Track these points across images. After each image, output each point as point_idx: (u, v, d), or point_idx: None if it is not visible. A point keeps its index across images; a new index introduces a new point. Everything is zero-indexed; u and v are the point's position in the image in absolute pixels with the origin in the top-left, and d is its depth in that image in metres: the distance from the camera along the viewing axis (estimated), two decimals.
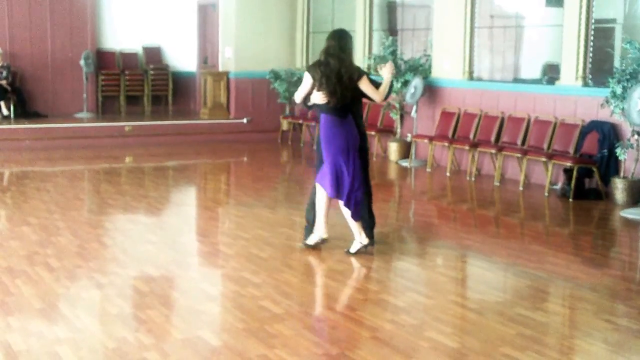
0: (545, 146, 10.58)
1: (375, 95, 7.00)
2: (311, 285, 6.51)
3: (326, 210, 7.01)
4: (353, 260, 6.92)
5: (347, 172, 6.86)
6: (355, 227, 7.00)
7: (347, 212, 6.98)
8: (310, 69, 6.91)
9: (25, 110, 15.56)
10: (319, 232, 7.05)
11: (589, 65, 10.54)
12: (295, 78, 14.89)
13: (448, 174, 11.79)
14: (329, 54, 6.81)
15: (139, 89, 17.21)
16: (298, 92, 7.05)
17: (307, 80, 6.89)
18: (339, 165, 6.86)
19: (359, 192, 6.93)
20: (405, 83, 12.80)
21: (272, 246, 7.29)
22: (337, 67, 6.76)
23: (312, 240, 7.08)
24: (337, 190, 6.89)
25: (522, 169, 10.76)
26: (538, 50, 13.34)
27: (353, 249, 6.99)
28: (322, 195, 6.99)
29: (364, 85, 6.89)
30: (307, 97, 6.96)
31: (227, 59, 16.06)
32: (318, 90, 6.78)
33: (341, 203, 6.97)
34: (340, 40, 6.86)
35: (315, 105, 6.90)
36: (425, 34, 13.89)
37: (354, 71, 6.86)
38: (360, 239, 6.98)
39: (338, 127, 6.85)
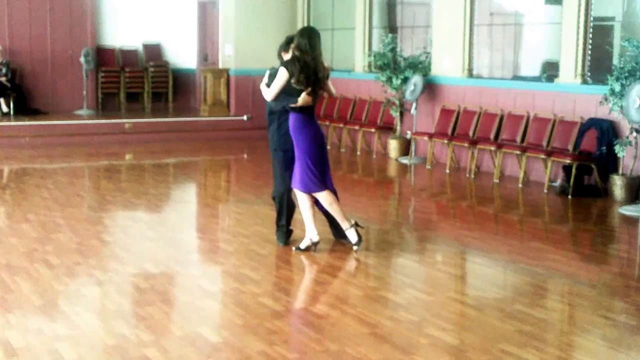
0: (544, 143, 10.59)
1: (334, 91, 7.19)
2: (310, 282, 6.52)
3: (312, 212, 7.01)
4: (352, 257, 6.93)
5: (322, 164, 6.93)
6: (340, 214, 7.03)
7: (324, 202, 6.99)
8: (287, 65, 6.77)
9: (25, 107, 15.58)
10: (310, 235, 7.02)
11: (587, 63, 10.55)
12: None
13: (448, 171, 11.80)
14: (303, 51, 6.74)
15: (139, 86, 17.21)
16: (271, 89, 6.86)
17: (283, 76, 6.76)
18: (312, 160, 6.86)
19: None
20: (405, 80, 12.81)
21: (272, 243, 7.29)
22: (314, 65, 6.74)
23: (304, 244, 7.05)
24: (311, 185, 6.91)
25: (521, 166, 10.77)
26: (537, 48, 13.34)
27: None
28: (303, 198, 7.00)
29: (329, 83, 7.01)
30: (279, 95, 6.85)
31: (227, 56, 16.07)
32: (297, 86, 6.72)
33: (318, 194, 7.00)
34: (310, 39, 6.79)
35: (296, 107, 6.81)
36: (424, 31, 13.89)
37: (324, 69, 6.87)
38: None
39: (308, 125, 6.86)
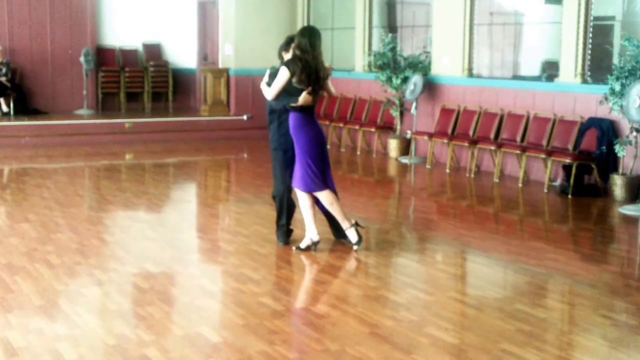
0: (544, 143, 10.60)
1: (333, 91, 7.20)
2: (311, 282, 6.52)
3: (312, 211, 7.01)
4: (353, 256, 6.93)
5: (322, 164, 6.93)
6: (340, 214, 7.04)
7: (324, 202, 6.99)
8: (288, 64, 6.76)
9: (25, 107, 15.58)
10: (310, 234, 7.03)
11: (587, 63, 10.55)
12: None
13: (448, 170, 11.80)
14: (304, 50, 6.74)
15: (139, 85, 17.20)
16: (272, 88, 6.84)
17: (284, 75, 6.75)
18: (313, 160, 6.87)
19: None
20: (405, 80, 12.81)
21: (272, 243, 7.29)
22: (315, 65, 6.74)
23: (304, 243, 7.06)
24: (312, 185, 6.91)
25: (521, 165, 10.77)
26: (537, 48, 13.35)
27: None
28: (303, 198, 7.00)
29: (329, 82, 7.01)
30: (280, 95, 6.84)
31: (227, 56, 16.07)
32: (298, 85, 6.72)
33: (318, 194, 7.00)
34: (311, 38, 6.79)
35: (296, 106, 6.81)
36: (424, 30, 13.90)
37: (324, 68, 6.88)
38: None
39: (309, 124, 6.87)
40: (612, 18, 11.79)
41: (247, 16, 15.76)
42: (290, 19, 16.01)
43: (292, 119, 6.87)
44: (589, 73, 10.55)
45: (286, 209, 7.20)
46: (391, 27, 14.72)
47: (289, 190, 7.16)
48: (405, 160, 12.74)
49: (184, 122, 15.55)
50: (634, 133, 9.26)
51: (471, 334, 5.12)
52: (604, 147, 9.78)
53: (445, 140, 11.93)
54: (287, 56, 7.00)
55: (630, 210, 8.92)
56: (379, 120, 13.72)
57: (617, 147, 9.34)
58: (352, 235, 7.05)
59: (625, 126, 9.58)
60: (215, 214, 9.36)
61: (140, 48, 17.33)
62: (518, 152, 10.75)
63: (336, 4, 15.64)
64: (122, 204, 9.36)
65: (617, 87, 9.19)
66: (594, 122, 10.05)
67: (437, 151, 12.49)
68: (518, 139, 11.00)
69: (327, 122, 14.12)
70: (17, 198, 9.61)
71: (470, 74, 12.39)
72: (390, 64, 13.03)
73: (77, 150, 13.48)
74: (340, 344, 4.87)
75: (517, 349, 4.81)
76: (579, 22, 10.44)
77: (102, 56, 16.83)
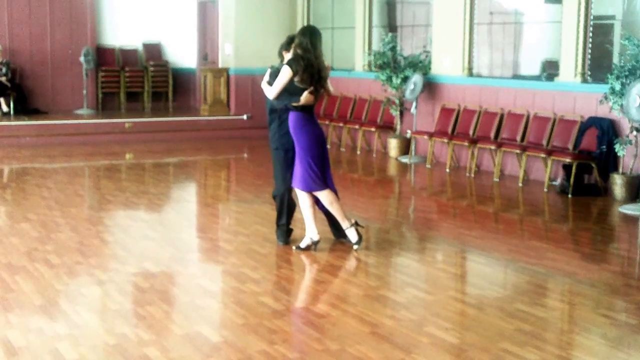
0: (544, 142, 10.59)
1: (332, 90, 7.19)
2: (311, 281, 6.52)
3: (312, 211, 7.01)
4: (353, 256, 6.94)
5: (323, 163, 6.93)
6: (340, 213, 7.04)
7: (324, 201, 6.99)
8: (291, 64, 6.74)
9: (25, 107, 15.59)
10: (310, 234, 7.04)
11: (587, 62, 10.54)
12: None
13: (448, 170, 11.80)
14: (305, 50, 6.73)
15: (139, 85, 17.20)
16: (274, 87, 6.82)
17: (286, 74, 6.73)
18: (314, 159, 6.86)
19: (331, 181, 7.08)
20: (405, 79, 12.80)
21: (272, 242, 7.29)
22: (317, 64, 6.75)
23: (304, 243, 7.06)
24: (312, 184, 6.91)
25: (521, 165, 10.77)
26: (537, 47, 13.35)
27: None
28: (303, 197, 7.00)
29: (328, 82, 7.00)
30: (281, 94, 6.83)
31: (227, 56, 16.08)
32: (300, 85, 6.71)
33: (318, 193, 7.00)
34: (311, 37, 6.79)
35: (297, 105, 6.81)
36: (424, 30, 13.90)
37: (325, 68, 6.89)
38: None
39: (309, 123, 6.87)
40: (612, 17, 11.80)
41: (247, 16, 15.76)
42: (290, 19, 16.01)
43: (292, 118, 6.86)
44: (589, 72, 10.55)
45: (286, 208, 7.20)
46: (391, 26, 14.73)
47: (289, 190, 7.16)
48: (405, 159, 12.74)
49: (184, 122, 15.56)
50: (634, 132, 9.26)
51: (471, 333, 5.12)
52: (604, 147, 9.78)
53: (445, 140, 11.94)
54: (288, 56, 7.00)
55: (630, 209, 8.92)
56: (379, 120, 13.72)
57: (617, 147, 9.34)
58: (352, 234, 7.05)
59: (625, 125, 9.58)
60: (215, 214, 9.36)
61: (140, 48, 17.34)
62: (518, 151, 10.75)
63: (336, 3, 15.64)
64: (122, 204, 9.36)
65: (617, 87, 9.19)
66: (594, 122, 10.05)
67: (437, 151, 12.49)
68: (518, 138, 10.99)
69: (327, 122, 14.12)
70: (17, 198, 9.61)
71: (470, 74, 12.39)
72: (390, 64, 13.03)
73: (77, 150, 13.48)
74: (341, 344, 4.87)
75: (517, 348, 4.81)
76: (579, 21, 10.44)
77: (102, 56, 16.84)
